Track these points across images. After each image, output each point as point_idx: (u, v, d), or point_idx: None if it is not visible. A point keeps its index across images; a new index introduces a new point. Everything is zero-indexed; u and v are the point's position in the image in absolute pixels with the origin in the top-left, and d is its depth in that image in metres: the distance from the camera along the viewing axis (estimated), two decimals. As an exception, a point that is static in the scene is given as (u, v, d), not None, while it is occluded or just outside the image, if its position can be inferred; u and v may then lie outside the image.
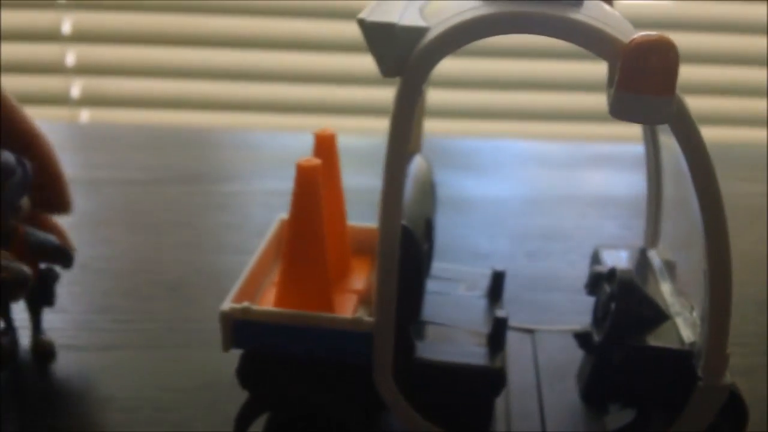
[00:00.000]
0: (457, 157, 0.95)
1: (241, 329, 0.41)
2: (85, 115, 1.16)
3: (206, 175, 0.86)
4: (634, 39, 0.31)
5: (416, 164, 0.47)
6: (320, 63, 1.12)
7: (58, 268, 0.53)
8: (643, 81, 0.31)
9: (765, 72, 1.13)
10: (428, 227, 0.44)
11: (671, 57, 0.31)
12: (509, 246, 0.73)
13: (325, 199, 0.43)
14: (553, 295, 0.64)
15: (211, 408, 0.49)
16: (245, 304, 0.41)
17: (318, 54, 1.11)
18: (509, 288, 0.62)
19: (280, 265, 0.43)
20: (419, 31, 0.35)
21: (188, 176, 0.86)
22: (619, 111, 0.32)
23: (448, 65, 1.20)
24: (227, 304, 0.41)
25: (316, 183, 0.41)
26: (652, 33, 0.31)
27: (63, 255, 0.51)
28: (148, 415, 0.48)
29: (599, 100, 1.19)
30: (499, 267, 0.49)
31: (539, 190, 0.87)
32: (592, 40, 0.33)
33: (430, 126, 1.12)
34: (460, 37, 0.34)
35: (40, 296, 0.52)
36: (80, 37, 1.09)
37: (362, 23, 0.35)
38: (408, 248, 0.39)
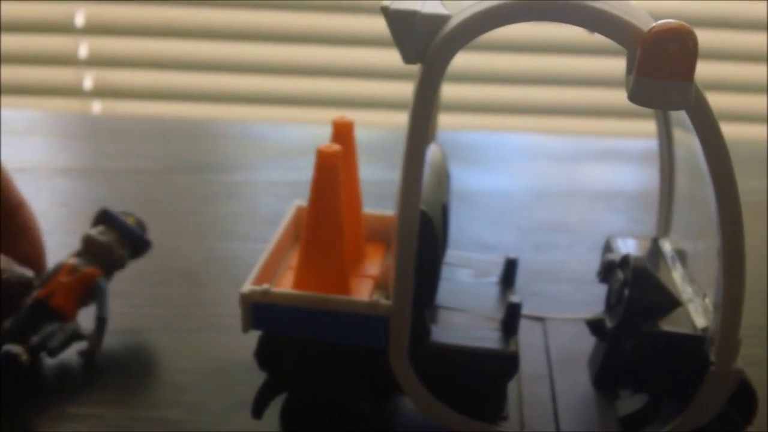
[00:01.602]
0: (464, 151, 0.96)
1: (260, 311, 0.42)
2: (96, 106, 1.16)
3: (214, 165, 0.87)
4: (654, 26, 0.32)
5: (432, 153, 0.48)
6: (327, 56, 1.13)
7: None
8: (662, 67, 0.32)
9: (765, 68, 1.14)
10: (444, 213, 0.45)
11: (690, 44, 0.32)
12: (516, 238, 0.74)
13: (343, 186, 0.44)
14: (560, 286, 0.65)
15: (224, 390, 0.49)
16: (265, 286, 0.42)
17: (325, 47, 1.12)
18: (517, 279, 0.63)
19: (298, 249, 0.44)
20: (441, 19, 0.36)
21: (197, 166, 0.86)
22: (639, 96, 0.32)
23: (456, 59, 1.20)
24: (247, 287, 0.42)
25: (336, 168, 0.41)
26: (672, 20, 0.32)
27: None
28: (165, 396, 0.49)
29: (606, 96, 1.20)
30: (512, 255, 0.49)
31: (546, 183, 0.88)
32: (612, 28, 0.33)
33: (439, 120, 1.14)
34: (481, 24, 0.35)
35: None
36: (93, 29, 1.10)
37: (386, 11, 0.36)
38: (426, 233, 0.39)
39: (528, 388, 0.46)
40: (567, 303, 0.62)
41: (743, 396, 0.44)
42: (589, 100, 1.16)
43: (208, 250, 0.68)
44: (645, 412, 0.43)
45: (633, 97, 0.33)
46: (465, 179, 0.87)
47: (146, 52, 1.12)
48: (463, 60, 1.12)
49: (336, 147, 0.41)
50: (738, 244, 0.36)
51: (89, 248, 0.54)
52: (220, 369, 0.51)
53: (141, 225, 0.57)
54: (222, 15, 1.10)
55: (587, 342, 0.49)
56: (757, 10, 1.11)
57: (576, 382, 0.46)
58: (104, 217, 0.56)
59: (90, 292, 0.52)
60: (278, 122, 1.07)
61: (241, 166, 0.87)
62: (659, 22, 0.32)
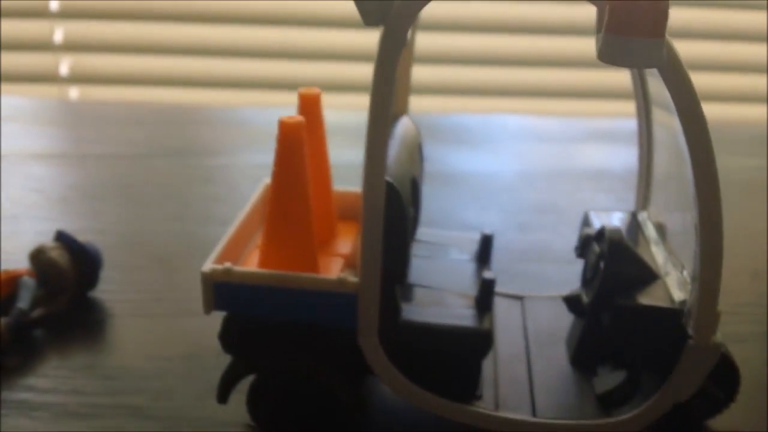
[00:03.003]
0: (450, 132, 0.94)
1: (222, 291, 0.40)
2: (74, 92, 1.14)
3: (193, 149, 0.85)
4: (623, -19, 0.30)
5: (403, 125, 0.46)
6: (305, 38, 1.11)
7: None
8: (633, 23, 0.30)
9: (763, 49, 1.12)
10: (414, 187, 0.43)
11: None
12: (501, 219, 0.72)
13: (310, 160, 0.43)
14: (544, 266, 0.63)
15: (193, 376, 0.48)
16: (227, 264, 0.40)
17: (304, 29, 1.10)
18: (500, 259, 0.62)
19: (263, 227, 0.42)
20: (402, -22, 0.34)
21: (175, 151, 0.85)
22: (608, 55, 0.31)
23: (443, 41, 1.18)
24: (208, 265, 0.40)
25: (300, 140, 0.40)
26: (642, -25, 0.30)
27: None
28: (131, 384, 0.47)
29: (592, 77, 1.19)
30: (488, 231, 0.48)
31: (532, 164, 0.86)
32: (579, -17, 0.32)
33: (426, 103, 1.12)
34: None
35: None
36: (68, 13, 1.08)
37: (344, -30, 0.34)
38: (393, 205, 0.38)
39: (504, 367, 0.44)
40: (551, 283, 0.60)
41: (725, 372, 0.43)
42: (575, 81, 1.15)
43: (184, 234, 0.67)
44: (623, 389, 0.41)
45: (602, 56, 0.31)
46: (451, 160, 0.86)
47: (124, 37, 1.10)
48: (449, 41, 1.12)
49: (299, 118, 0.40)
50: (714, 211, 0.34)
51: (38, 264, 0.53)
52: (190, 354, 0.50)
53: (95, 251, 0.56)
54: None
55: (566, 320, 0.47)
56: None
57: (554, 361, 0.45)
58: (57, 237, 0.55)
59: (14, 287, 0.52)
60: (259, 106, 1.06)
61: (221, 150, 0.86)
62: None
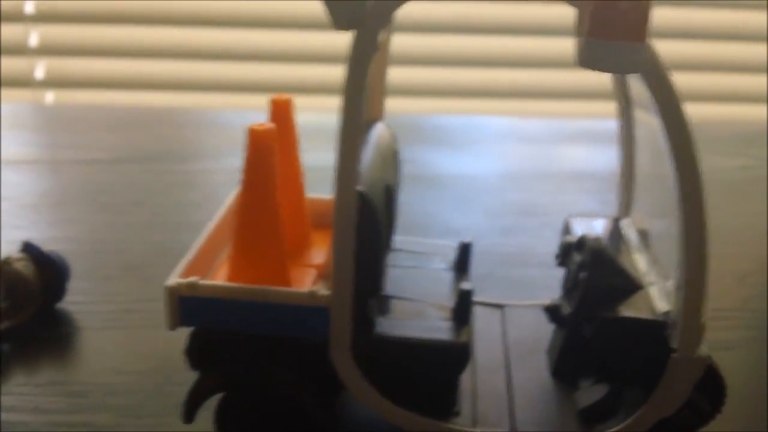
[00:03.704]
0: (432, 134, 0.93)
1: (188, 306, 0.39)
2: (50, 96, 1.12)
3: (170, 153, 0.84)
4: (603, -18, 0.29)
5: (378, 131, 0.44)
6: (285, 41, 1.09)
7: None
8: (614, 27, 0.29)
9: (745, 48, 1.12)
10: (389, 195, 0.42)
11: (643, 2, 0.29)
12: (484, 222, 0.71)
13: (281, 168, 0.41)
14: (527, 271, 0.62)
15: (161, 392, 0.46)
16: (192, 278, 0.38)
17: (283, 32, 1.09)
18: (482, 264, 0.60)
19: (232, 238, 0.41)
20: (373, -20, 0.33)
21: (151, 155, 0.83)
22: (589, 59, 0.30)
23: (424, 42, 1.17)
24: (173, 279, 0.39)
25: (270, 148, 0.38)
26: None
27: None
28: (96, 401, 0.46)
29: (575, 77, 1.18)
30: (467, 239, 0.46)
31: (515, 166, 0.85)
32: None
33: (407, 105, 1.11)
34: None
35: None
36: (44, 17, 1.06)
37: (312, -28, 0.32)
38: (365, 215, 0.36)
39: (483, 380, 0.43)
40: (533, 288, 0.59)
41: (711, 383, 0.41)
42: (557, 81, 1.14)
43: (158, 242, 0.65)
44: (605, 403, 0.40)
45: (583, 61, 0.30)
46: (433, 163, 0.84)
47: (100, 40, 1.08)
48: (431, 42, 1.10)
49: (269, 125, 0.38)
50: (698, 218, 0.33)
51: (3, 276, 0.52)
52: (159, 368, 0.48)
53: (62, 261, 0.55)
54: (174, 2, 1.06)
55: (547, 330, 0.46)
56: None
57: (534, 373, 0.44)
58: (24, 248, 0.54)
59: None
60: (239, 109, 1.04)
61: (199, 154, 0.84)
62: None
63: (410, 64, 1.10)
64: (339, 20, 0.33)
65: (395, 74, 1.09)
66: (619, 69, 0.30)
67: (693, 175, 0.32)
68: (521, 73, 1.15)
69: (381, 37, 0.36)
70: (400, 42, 1.11)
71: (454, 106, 1.16)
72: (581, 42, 0.30)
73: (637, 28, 0.29)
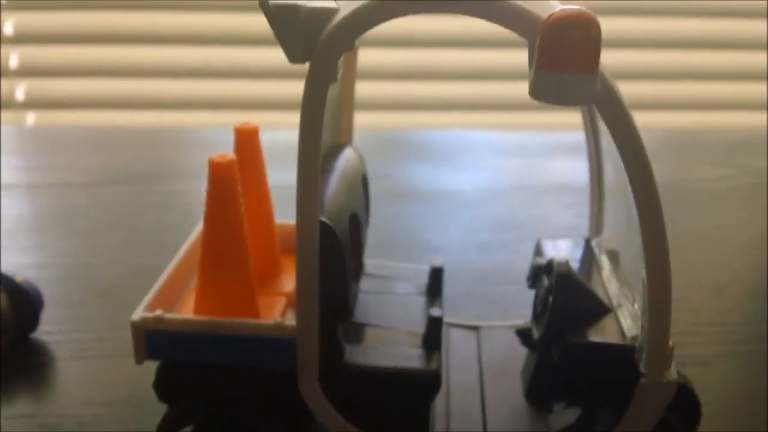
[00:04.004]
0: (411, 148, 0.93)
1: (155, 339, 0.38)
2: (31, 117, 1.12)
3: (148, 174, 0.83)
4: (552, 14, 0.29)
5: (345, 157, 0.44)
6: (261, 57, 1.09)
7: None
8: (563, 59, 0.29)
9: (731, 57, 1.12)
10: (354, 222, 0.42)
11: (593, 32, 0.28)
12: (461, 238, 0.71)
13: (248, 197, 0.41)
14: (504, 288, 0.62)
15: (134, 421, 0.46)
16: (158, 312, 0.38)
17: (261, 48, 1.09)
18: (459, 281, 0.60)
19: (197, 270, 0.40)
20: (328, 13, 0.33)
21: (129, 176, 0.82)
22: (540, 92, 0.29)
23: (402, 56, 1.17)
24: (138, 313, 0.38)
25: (232, 180, 0.38)
26: (573, 7, 0.29)
27: None
28: (67, 432, 0.45)
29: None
30: (441, 261, 0.46)
31: (494, 179, 0.85)
32: (507, 17, 0.30)
33: (386, 119, 1.11)
34: (372, 15, 0.32)
35: None
36: (23, 38, 1.05)
37: (265, 6, 0.32)
38: (328, 244, 0.36)
39: (457, 402, 0.43)
40: (511, 306, 0.59)
41: (685, 402, 0.41)
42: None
43: (134, 265, 0.64)
44: (578, 426, 0.40)
45: (534, 93, 0.30)
46: (412, 177, 0.84)
47: (81, 61, 1.08)
48: (409, 56, 1.10)
49: (230, 156, 0.38)
50: (659, 245, 0.33)
51: None
52: (132, 397, 0.48)
53: (35, 291, 0.54)
54: (157, 19, 1.06)
55: (522, 352, 0.46)
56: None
57: (508, 395, 0.44)
58: None
59: None
60: (219, 126, 1.04)
61: (177, 174, 0.84)
62: (559, 8, 0.29)
63: (389, 79, 1.10)
64: (292, 53, 0.33)
65: (375, 88, 1.09)
66: (570, 101, 0.29)
67: (652, 205, 0.32)
68: (498, 86, 1.15)
69: (341, 65, 0.35)
70: (379, 56, 1.12)
71: (433, 120, 1.16)
72: (532, 74, 0.30)
73: (588, 60, 0.29)
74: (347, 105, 0.46)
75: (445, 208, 0.77)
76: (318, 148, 0.33)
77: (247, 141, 0.43)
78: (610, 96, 0.30)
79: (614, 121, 0.30)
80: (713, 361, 0.53)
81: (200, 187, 0.77)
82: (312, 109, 0.33)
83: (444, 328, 0.45)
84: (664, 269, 0.33)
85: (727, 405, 0.49)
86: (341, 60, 0.34)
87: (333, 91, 0.41)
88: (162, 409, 0.41)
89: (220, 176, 0.38)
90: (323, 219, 0.36)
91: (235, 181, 0.38)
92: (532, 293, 0.46)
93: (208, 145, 0.91)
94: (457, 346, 0.48)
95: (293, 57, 0.33)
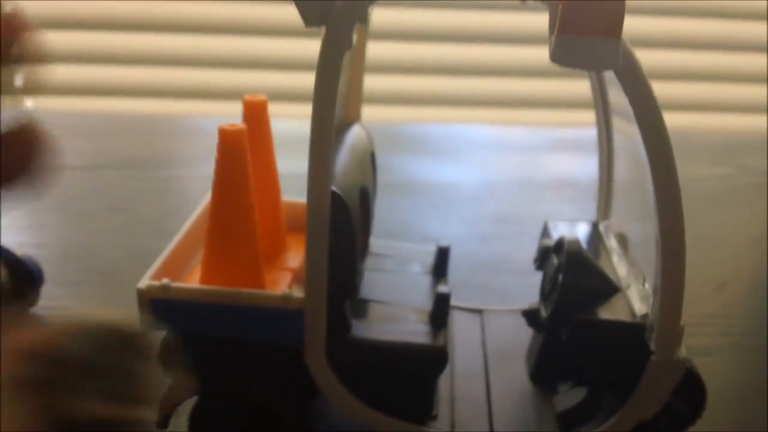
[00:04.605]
0: (412, 142, 0.93)
1: (160, 309, 0.38)
2: (28, 103, 1.11)
3: (146, 160, 0.83)
4: (576, -22, 0.29)
5: (354, 133, 0.44)
6: (263, 47, 1.09)
7: None
8: (586, 22, 0.28)
9: (732, 58, 1.12)
10: (364, 196, 0.41)
11: (616, -3, 0.28)
12: (462, 230, 0.71)
13: (255, 170, 0.40)
14: (505, 278, 0.61)
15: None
16: (164, 281, 0.38)
17: (260, 38, 1.08)
18: (460, 271, 0.60)
19: (204, 240, 0.40)
20: (345, -24, 0.32)
21: (128, 161, 0.82)
22: (562, 56, 0.29)
23: (406, 50, 1.16)
24: (145, 281, 0.38)
25: (241, 149, 0.38)
26: (596, -29, 0.29)
27: None
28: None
29: (556, 86, 1.17)
30: (444, 243, 0.46)
31: (495, 174, 0.85)
32: (530, -20, 0.30)
33: (388, 113, 1.10)
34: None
35: None
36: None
37: (283, -32, 0.32)
38: (339, 216, 0.36)
39: (461, 385, 0.42)
40: (511, 295, 0.59)
41: (691, 388, 0.41)
42: (538, 90, 1.14)
43: (133, 248, 0.64)
44: (584, 407, 0.39)
45: (556, 57, 0.30)
46: (413, 171, 0.84)
47: (73, 46, 1.07)
48: (413, 50, 1.10)
49: (240, 125, 0.38)
50: (675, 218, 0.33)
51: None
52: (132, 374, 0.47)
53: (35, 265, 0.54)
54: (159, 6, 1.05)
55: (526, 335, 0.45)
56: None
57: (513, 378, 0.43)
58: None
59: None
60: (216, 116, 1.03)
61: (175, 161, 0.83)
62: (579, -28, 0.29)
63: (392, 73, 1.10)
64: (309, 16, 0.33)
65: (377, 82, 1.09)
66: (591, 66, 0.29)
67: (669, 172, 0.31)
68: (502, 82, 1.15)
69: (355, 35, 0.35)
70: (381, 50, 1.11)
71: (436, 114, 1.16)
72: (554, 39, 0.29)
73: (610, 24, 0.28)
74: (357, 83, 0.46)
75: (446, 202, 0.77)
76: (331, 114, 0.33)
77: (255, 114, 0.43)
78: (630, 63, 0.30)
79: (634, 88, 0.30)
80: (716, 351, 0.53)
81: (196, 174, 0.77)
82: (327, 75, 0.33)
83: None
84: (678, 242, 0.33)
85: (730, 393, 0.49)
86: (355, 29, 0.34)
87: (343, 66, 0.41)
88: (164, 384, 0.40)
89: (229, 144, 0.37)
90: (334, 189, 0.35)
91: (244, 149, 0.38)
92: (532, 283, 0.46)
93: (208, 134, 0.91)
94: (461, 329, 0.47)
95: (309, 20, 0.32)
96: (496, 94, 1.15)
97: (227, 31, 1.07)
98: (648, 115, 0.31)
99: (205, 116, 1.04)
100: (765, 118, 1.06)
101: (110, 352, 0.22)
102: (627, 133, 0.39)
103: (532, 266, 0.47)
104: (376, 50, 1.11)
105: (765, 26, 1.07)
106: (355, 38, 0.36)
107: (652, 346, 0.36)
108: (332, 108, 0.33)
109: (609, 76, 0.36)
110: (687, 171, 0.88)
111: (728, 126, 1.14)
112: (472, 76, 1.14)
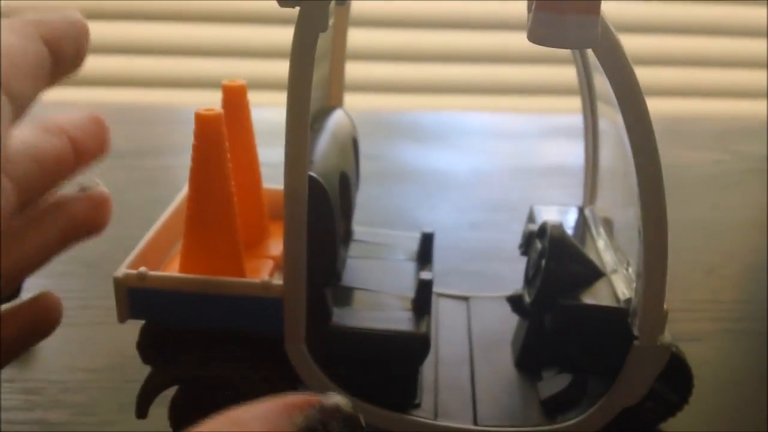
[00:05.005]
0: (402, 130, 0.92)
1: (138, 298, 0.37)
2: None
3: (133, 150, 0.82)
4: (552, -46, 0.28)
5: (336, 118, 0.43)
6: (251, 36, 1.08)
7: None
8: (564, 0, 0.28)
9: (725, 43, 1.12)
10: (344, 182, 0.41)
11: (594, -27, 0.28)
12: (451, 217, 0.70)
13: (235, 156, 0.40)
14: (494, 265, 0.61)
15: (117, 388, 0.45)
16: (141, 269, 0.37)
17: (250, 27, 1.08)
18: (450, 258, 0.59)
19: (183, 229, 0.39)
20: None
21: (114, 152, 0.81)
22: (539, 34, 0.29)
23: (396, 37, 1.15)
24: (122, 270, 0.37)
25: (219, 134, 0.37)
26: (572, -52, 0.28)
27: None
28: (51, 398, 0.44)
29: (545, 72, 1.17)
30: (428, 229, 0.46)
31: (486, 161, 0.84)
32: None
33: (380, 100, 1.10)
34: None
35: None
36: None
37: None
38: (317, 201, 0.35)
39: (446, 372, 0.42)
40: (501, 282, 0.58)
41: (677, 373, 0.41)
42: (529, 77, 1.13)
43: (120, 238, 0.63)
44: (568, 393, 0.39)
45: (533, 36, 0.29)
46: (404, 158, 0.83)
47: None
48: (403, 38, 1.09)
49: (217, 110, 0.37)
50: (657, 201, 0.32)
51: None
52: (115, 365, 0.47)
53: None
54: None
55: (512, 321, 0.45)
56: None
57: (498, 365, 0.43)
58: None
59: None
60: (204, 105, 1.02)
61: (162, 150, 0.83)
62: (557, -51, 0.28)
63: (383, 60, 1.09)
64: None
65: (370, 70, 1.08)
66: (568, 44, 0.29)
67: (651, 155, 0.31)
68: (494, 68, 1.14)
69: (333, 17, 0.35)
70: (372, 37, 1.11)
71: (427, 102, 1.15)
72: (531, 17, 0.29)
73: (588, 1, 0.28)
74: (338, 67, 0.45)
75: (436, 189, 0.76)
76: (307, 98, 0.33)
77: (234, 99, 0.42)
78: (609, 42, 0.29)
79: (613, 67, 0.30)
80: (705, 337, 0.53)
81: (184, 163, 0.76)
82: (301, 58, 0.32)
83: (433, 298, 0.44)
84: (660, 225, 0.32)
85: (719, 378, 0.48)
86: (332, 11, 0.33)
87: (322, 50, 0.40)
88: (145, 375, 0.40)
89: (206, 130, 0.37)
90: (312, 174, 0.35)
91: (221, 135, 0.37)
92: (522, 270, 0.45)
93: (190, 123, 0.90)
94: (446, 316, 0.47)
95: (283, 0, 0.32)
96: (488, 81, 1.14)
97: (214, 19, 1.07)
98: (629, 96, 0.30)
99: (193, 106, 1.03)
100: (758, 103, 1.06)
101: None
102: (613, 118, 0.38)
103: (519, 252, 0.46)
104: (367, 38, 1.11)
105: (761, 11, 1.07)
106: (333, 21, 0.36)
107: (635, 331, 0.35)
108: (307, 89, 0.32)
109: (594, 61, 0.36)
110: (680, 156, 0.88)
111: (722, 111, 1.13)
112: (463, 63, 1.14)
